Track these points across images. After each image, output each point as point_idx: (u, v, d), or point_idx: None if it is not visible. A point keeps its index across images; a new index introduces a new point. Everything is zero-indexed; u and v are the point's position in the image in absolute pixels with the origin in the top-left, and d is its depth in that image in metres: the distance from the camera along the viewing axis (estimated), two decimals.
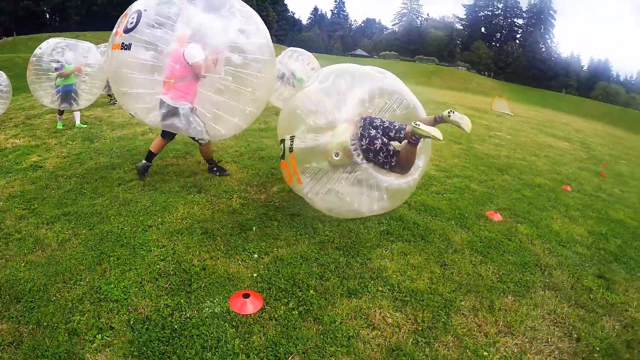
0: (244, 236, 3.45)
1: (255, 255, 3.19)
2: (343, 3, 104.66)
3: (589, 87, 71.69)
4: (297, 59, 9.83)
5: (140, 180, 4.53)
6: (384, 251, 3.49)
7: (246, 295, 2.57)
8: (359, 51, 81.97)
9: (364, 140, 3.25)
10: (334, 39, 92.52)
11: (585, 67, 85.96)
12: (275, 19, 65.99)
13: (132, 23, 3.62)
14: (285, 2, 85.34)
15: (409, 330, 2.56)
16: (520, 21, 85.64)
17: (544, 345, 2.61)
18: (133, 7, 3.79)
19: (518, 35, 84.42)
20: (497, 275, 3.36)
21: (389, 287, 2.97)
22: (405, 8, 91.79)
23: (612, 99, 60.76)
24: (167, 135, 4.44)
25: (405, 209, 4.54)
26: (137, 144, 6.16)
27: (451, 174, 6.19)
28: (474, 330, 2.62)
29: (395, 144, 3.40)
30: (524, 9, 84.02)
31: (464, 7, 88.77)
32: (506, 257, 3.67)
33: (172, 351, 2.17)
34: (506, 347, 2.53)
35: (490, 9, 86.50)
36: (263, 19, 4.48)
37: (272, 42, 4.58)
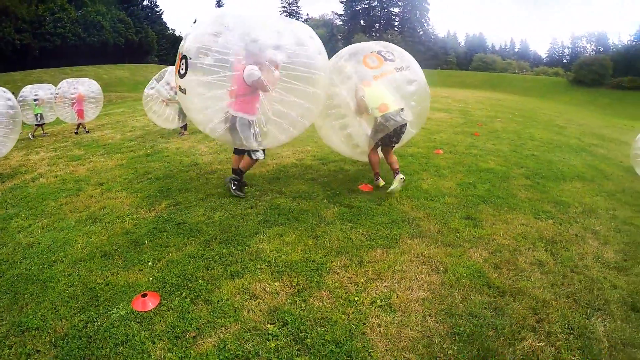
0: (138, 250, 3.88)
1: (150, 263, 3.62)
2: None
3: (467, 60, 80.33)
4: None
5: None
6: (261, 237, 4.01)
7: (144, 295, 3.04)
8: None
9: None
10: None
11: (462, 43, 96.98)
12: (155, 39, 63.45)
13: (182, 69, 4.27)
14: (164, 19, 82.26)
15: (286, 293, 3.09)
16: (396, 9, 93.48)
17: (413, 282, 3.21)
18: (181, 49, 4.40)
19: (396, 23, 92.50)
20: (367, 235, 3.97)
21: (266, 264, 3.51)
22: (285, 10, 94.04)
23: (490, 68, 68.71)
24: (238, 152, 4.96)
25: (282, 197, 5.03)
26: (30, 192, 6.20)
27: (327, 160, 6.76)
28: (345, 283, 3.17)
29: None
30: None
31: (342, 2, 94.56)
32: (375, 220, 4.31)
33: (91, 354, 2.56)
34: (376, 290, 3.08)
35: (367, 1, 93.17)
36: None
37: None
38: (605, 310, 3.24)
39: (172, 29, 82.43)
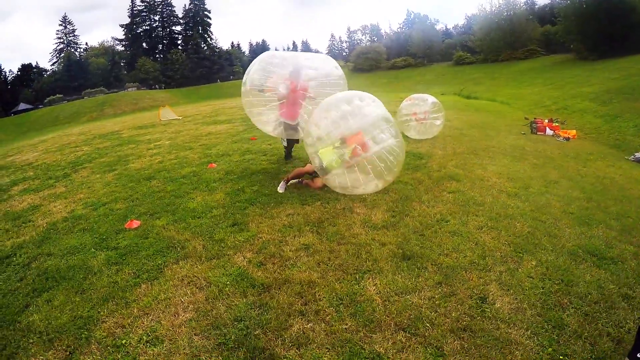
0: None
1: None
2: None
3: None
4: None
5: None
6: (32, 308, 3.73)
7: None
8: (21, 105, 73.59)
9: None
10: None
11: (247, 52, 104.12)
12: None
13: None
14: None
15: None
16: (178, 28, 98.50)
17: (178, 306, 3.38)
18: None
19: (179, 42, 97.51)
20: (132, 274, 4.02)
21: (37, 336, 3.30)
22: (62, 42, 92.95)
23: None
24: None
25: (51, 259, 4.65)
26: None
27: (98, 204, 6.41)
28: (113, 329, 3.21)
29: None
30: (180, 15, 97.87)
31: (122, 27, 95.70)
32: (141, 254, 4.39)
33: None
34: (142, 327, 3.18)
35: (148, 23, 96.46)
36: None
37: None
38: (374, 270, 3.78)
39: None
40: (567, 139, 12.08)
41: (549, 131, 12.65)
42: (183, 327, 3.11)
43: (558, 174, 7.41)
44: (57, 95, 70.69)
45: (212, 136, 12.17)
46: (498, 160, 8.05)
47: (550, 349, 2.81)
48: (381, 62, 65.52)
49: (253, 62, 7.01)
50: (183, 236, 4.70)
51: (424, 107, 9.79)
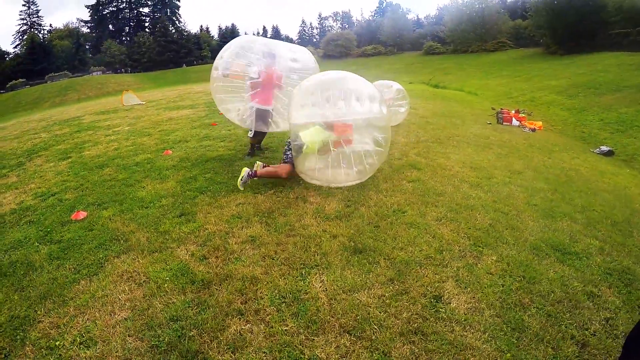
0: None
1: None
2: None
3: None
4: None
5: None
6: None
7: None
8: None
9: None
10: None
11: (215, 37, 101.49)
12: None
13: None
14: None
15: None
16: (146, 10, 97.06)
17: (115, 305, 3.16)
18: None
19: (146, 24, 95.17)
20: (73, 269, 3.77)
21: None
22: (25, 24, 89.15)
23: None
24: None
25: None
26: None
27: (48, 194, 6.08)
28: (48, 330, 2.99)
29: None
30: None
31: (87, 7, 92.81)
32: (84, 248, 4.15)
33: None
34: (77, 327, 2.96)
35: (114, 4, 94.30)
36: None
37: None
38: (323, 265, 3.49)
39: None
40: (533, 129, 12.06)
41: (515, 122, 12.62)
42: (118, 327, 2.90)
43: (523, 164, 7.24)
44: (20, 79, 68.03)
45: (173, 122, 11.77)
46: (462, 149, 7.85)
47: (508, 355, 2.56)
48: (352, 50, 66.08)
49: (227, 45, 6.67)
50: (128, 228, 4.47)
51: (388, 94, 9.53)
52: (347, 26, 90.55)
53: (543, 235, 4.20)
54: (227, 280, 3.32)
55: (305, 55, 6.99)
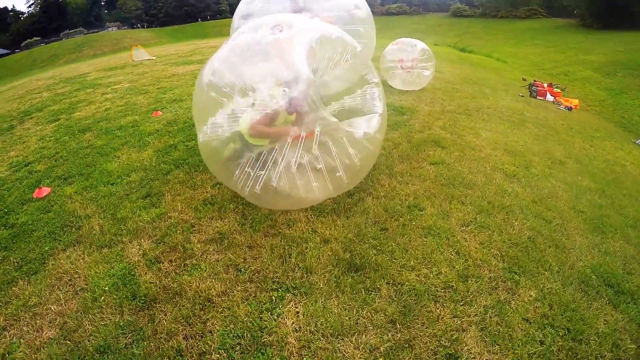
0: None
1: None
2: None
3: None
4: None
5: None
6: None
7: None
8: None
9: None
10: None
11: None
12: None
13: None
14: None
15: None
16: None
17: (45, 318, 2.64)
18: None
19: None
20: (16, 264, 3.29)
21: None
22: None
23: None
24: None
25: None
26: None
27: (22, 164, 5.57)
28: None
29: None
30: None
31: None
32: (33, 236, 3.62)
33: None
34: (4, 344, 2.50)
35: None
36: None
37: None
38: (303, 287, 2.66)
39: None
40: (570, 108, 10.76)
41: (549, 97, 11.31)
42: (42, 350, 2.38)
43: (564, 151, 6.07)
44: (34, 38, 67.79)
45: (175, 78, 10.88)
46: (494, 124, 6.66)
47: None
48: (374, 7, 61.20)
49: None
50: (85, 211, 3.89)
51: (412, 54, 8.20)
52: None
53: (593, 261, 3.16)
54: (175, 298, 2.57)
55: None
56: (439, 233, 3.15)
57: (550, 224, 3.52)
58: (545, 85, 12.44)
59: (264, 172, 2.77)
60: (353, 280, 2.61)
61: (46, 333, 2.49)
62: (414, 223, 3.28)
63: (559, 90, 12.55)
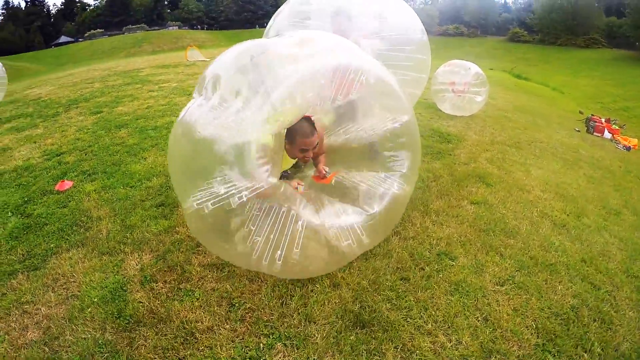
0: None
1: None
2: None
3: None
4: None
5: None
6: None
7: None
8: (62, 38, 75.87)
9: None
10: (32, 32, 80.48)
11: None
12: None
13: None
14: None
15: None
16: None
17: (32, 319, 2.60)
18: None
19: None
20: (21, 256, 3.27)
21: None
22: None
23: None
24: None
25: None
26: None
27: (55, 153, 5.61)
28: None
29: None
30: None
31: None
32: (45, 230, 3.59)
33: None
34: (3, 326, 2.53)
35: None
36: None
37: None
38: (297, 336, 2.39)
39: None
40: (628, 148, 9.90)
41: (607, 134, 10.49)
42: (22, 351, 2.32)
43: (620, 199, 5.38)
44: (98, 30, 71.32)
45: None
46: (546, 161, 6.12)
47: None
48: (432, 27, 60.16)
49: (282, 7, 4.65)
50: (98, 212, 3.82)
51: (465, 77, 7.83)
52: (430, 2, 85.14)
53: None
54: (159, 325, 2.38)
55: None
56: (468, 292, 2.71)
57: (599, 291, 2.96)
58: (603, 120, 11.60)
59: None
60: (356, 339, 2.25)
61: (30, 334, 2.44)
62: (441, 275, 2.85)
63: (617, 128, 11.66)
